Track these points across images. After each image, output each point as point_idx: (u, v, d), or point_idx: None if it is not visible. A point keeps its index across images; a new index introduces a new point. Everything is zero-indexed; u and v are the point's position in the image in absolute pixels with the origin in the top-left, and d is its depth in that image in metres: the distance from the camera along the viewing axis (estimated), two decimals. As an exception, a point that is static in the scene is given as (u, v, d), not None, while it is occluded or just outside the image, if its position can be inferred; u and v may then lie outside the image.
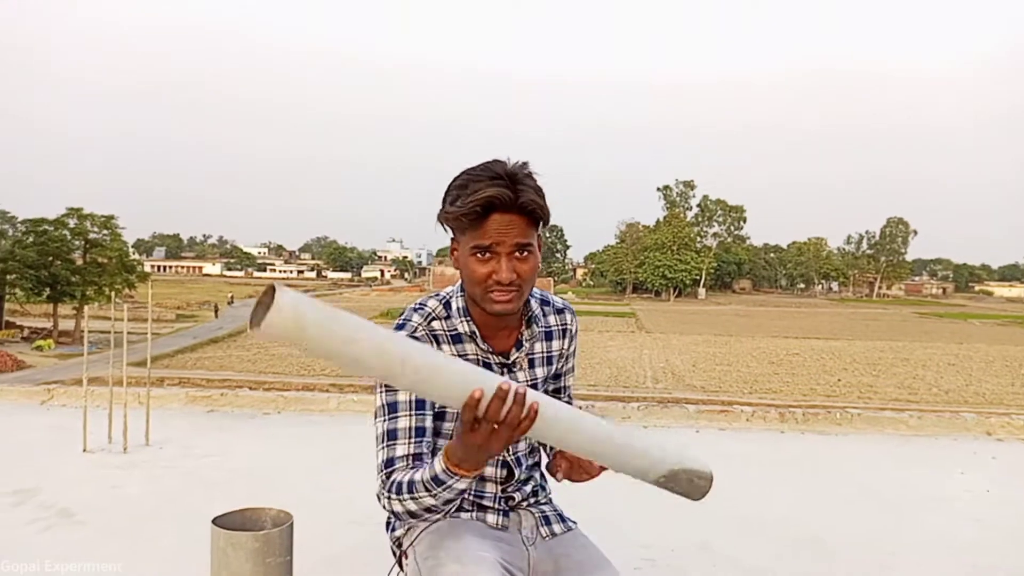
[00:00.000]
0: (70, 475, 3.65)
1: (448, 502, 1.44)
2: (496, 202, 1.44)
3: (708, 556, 2.86)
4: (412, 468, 1.51)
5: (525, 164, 1.51)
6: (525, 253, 1.51)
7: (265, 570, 1.41)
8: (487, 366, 1.67)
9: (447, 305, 1.69)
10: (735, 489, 3.80)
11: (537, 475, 1.90)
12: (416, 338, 1.62)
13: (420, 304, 1.71)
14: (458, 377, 1.18)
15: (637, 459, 1.36)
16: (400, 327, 1.63)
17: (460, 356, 1.66)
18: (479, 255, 1.49)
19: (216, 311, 53.96)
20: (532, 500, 1.83)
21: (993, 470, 4.36)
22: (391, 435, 1.54)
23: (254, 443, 4.52)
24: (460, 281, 1.70)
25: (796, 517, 3.38)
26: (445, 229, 1.57)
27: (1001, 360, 38.00)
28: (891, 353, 40.39)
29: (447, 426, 1.68)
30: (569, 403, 1.84)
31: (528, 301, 1.66)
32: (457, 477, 1.38)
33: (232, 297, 71.04)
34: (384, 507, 1.52)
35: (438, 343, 1.66)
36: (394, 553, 1.83)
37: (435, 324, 1.66)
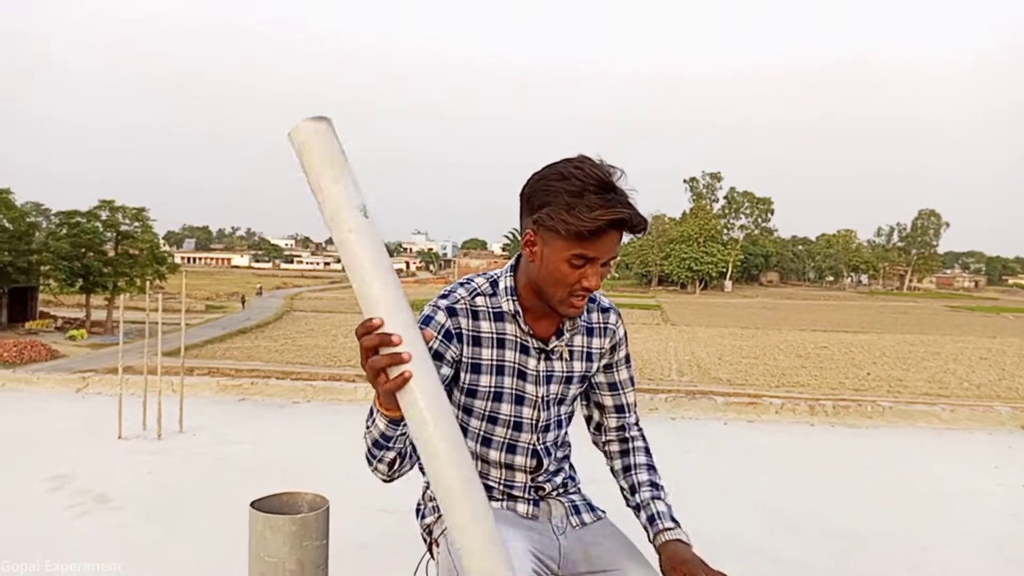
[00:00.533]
0: (106, 461, 3.72)
1: (376, 444, 1.39)
2: (622, 224, 1.44)
3: (738, 548, 2.85)
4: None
5: (621, 172, 1.48)
6: (609, 263, 1.52)
7: (302, 553, 1.43)
8: (524, 348, 1.68)
9: (494, 284, 1.70)
10: (765, 481, 3.79)
11: (567, 466, 1.90)
12: (455, 310, 1.62)
13: (468, 279, 1.72)
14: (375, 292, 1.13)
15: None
16: (444, 296, 1.63)
17: (499, 335, 1.66)
18: (575, 261, 1.48)
19: (243, 302, 54.51)
20: (562, 490, 1.84)
21: (1028, 465, 4.29)
22: None
23: (285, 431, 4.58)
24: (512, 263, 1.70)
25: (826, 510, 3.36)
26: (531, 219, 1.52)
27: (1035, 354, 37.28)
28: (921, 347, 39.82)
29: (504, 408, 1.69)
30: (625, 409, 1.82)
31: None
32: (378, 412, 1.34)
33: (261, 288, 71.87)
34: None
35: (477, 318, 1.66)
36: (425, 540, 1.85)
37: (479, 300, 1.67)
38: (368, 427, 1.41)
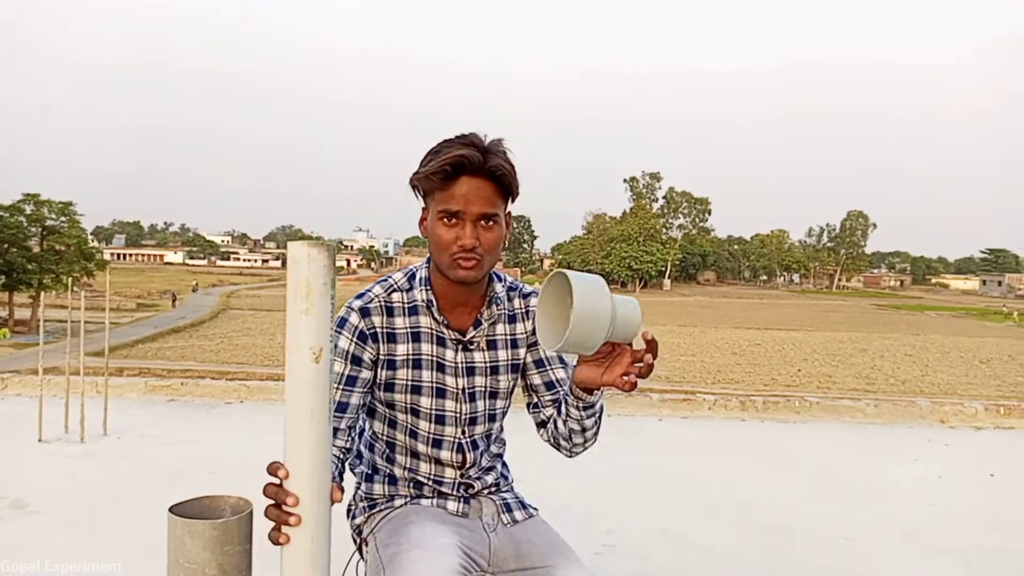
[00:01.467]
0: (24, 465, 3.57)
1: None
2: (466, 163, 1.46)
3: (670, 540, 2.90)
4: (344, 448, 1.56)
5: (500, 140, 1.53)
6: (491, 223, 1.51)
7: (224, 558, 1.37)
8: (441, 340, 1.66)
9: (411, 277, 1.69)
10: (697, 475, 3.86)
11: (499, 465, 1.89)
12: (368, 309, 1.61)
13: (386, 277, 1.72)
14: None
15: None
16: (359, 296, 1.63)
17: (414, 328, 1.65)
18: (446, 220, 1.50)
19: (174, 301, 52.84)
20: (493, 488, 1.83)
21: (946, 456, 4.48)
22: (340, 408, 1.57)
23: (215, 432, 4.46)
24: (428, 256, 1.69)
25: (757, 502, 3.44)
26: (416, 196, 1.58)
27: (956, 351, 38.96)
28: (850, 344, 41.17)
29: (424, 401, 1.67)
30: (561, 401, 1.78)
31: (492, 282, 1.66)
32: None
33: (196, 284, 70.00)
34: None
35: (392, 314, 1.65)
36: (355, 540, 1.82)
37: (395, 296, 1.66)
38: None
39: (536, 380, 1.79)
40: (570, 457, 1.78)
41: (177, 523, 1.39)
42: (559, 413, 1.67)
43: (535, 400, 1.81)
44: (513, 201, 1.56)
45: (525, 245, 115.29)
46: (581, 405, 1.57)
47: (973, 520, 3.33)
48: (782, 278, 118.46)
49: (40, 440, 3.97)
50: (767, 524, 3.12)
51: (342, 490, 1.56)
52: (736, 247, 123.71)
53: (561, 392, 1.70)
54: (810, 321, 55.32)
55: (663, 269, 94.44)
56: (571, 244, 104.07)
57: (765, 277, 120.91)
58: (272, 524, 1.21)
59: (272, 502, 1.19)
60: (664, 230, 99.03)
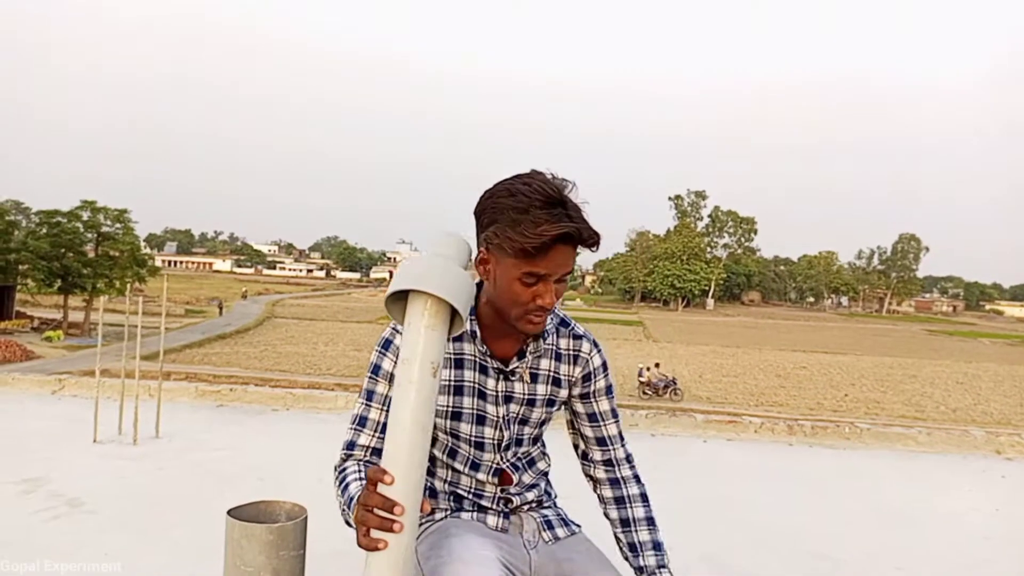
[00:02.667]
0: (80, 465, 3.67)
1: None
2: (569, 239, 1.43)
3: (714, 567, 2.86)
4: (366, 461, 1.56)
5: (572, 184, 1.48)
6: (566, 278, 1.51)
7: (279, 563, 1.41)
8: (483, 369, 1.67)
9: None
10: (742, 500, 3.80)
11: (543, 483, 1.89)
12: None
13: None
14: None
15: None
16: None
17: (457, 355, 1.66)
18: (527, 280, 1.47)
19: (221, 309, 53.63)
20: (535, 505, 1.82)
21: (1002, 488, 4.34)
22: (360, 421, 1.59)
23: (263, 438, 4.54)
24: (477, 280, 1.69)
25: (803, 530, 3.37)
26: (479, 233, 1.53)
27: (1010, 380, 37.74)
28: (899, 370, 40.17)
29: (463, 427, 1.69)
30: (606, 437, 1.79)
31: None
32: (349, 513, 1.40)
33: (246, 291, 71.40)
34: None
35: None
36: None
37: None
38: (340, 501, 1.46)
39: (589, 433, 1.80)
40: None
41: (235, 526, 1.43)
42: (619, 537, 1.75)
43: (585, 450, 1.83)
44: None
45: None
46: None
47: (1031, 556, 3.22)
48: (830, 300, 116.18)
49: (95, 441, 4.08)
50: (814, 553, 3.05)
51: (430, 504, 1.59)
52: (782, 268, 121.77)
53: (620, 493, 1.77)
54: (858, 345, 54.13)
55: (707, 288, 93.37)
56: (613, 261, 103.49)
57: (812, 299, 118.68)
58: (359, 529, 1.23)
59: (368, 508, 1.22)
60: (708, 249, 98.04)
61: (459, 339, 1.65)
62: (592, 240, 1.45)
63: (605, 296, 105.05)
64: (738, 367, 37.73)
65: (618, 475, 1.79)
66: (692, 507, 3.58)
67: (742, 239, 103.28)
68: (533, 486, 1.82)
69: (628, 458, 1.80)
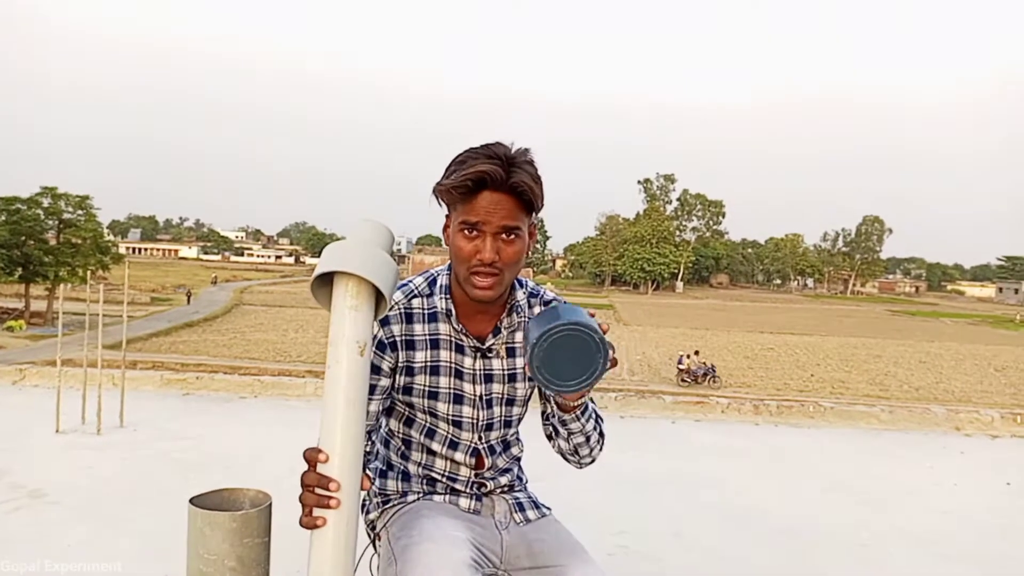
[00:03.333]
0: (42, 456, 3.61)
1: None
2: (487, 179, 1.44)
3: (683, 544, 2.90)
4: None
5: (527, 150, 1.50)
6: (512, 236, 1.50)
7: (243, 550, 1.39)
8: (460, 348, 1.67)
9: (432, 282, 1.69)
10: (710, 479, 3.85)
11: (516, 468, 1.89)
12: (387, 318, 1.63)
13: (406, 282, 1.71)
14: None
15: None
16: None
17: (432, 336, 1.65)
18: (466, 231, 1.49)
19: (189, 298, 52.84)
20: (507, 488, 1.83)
21: (961, 464, 4.44)
22: None
23: (230, 427, 4.49)
24: (450, 262, 1.69)
25: (770, 508, 3.42)
26: (440, 204, 1.57)
27: (971, 358, 38.68)
28: (863, 350, 40.93)
29: (441, 407, 1.69)
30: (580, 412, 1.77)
31: (513, 289, 1.65)
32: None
33: (216, 277, 70.64)
34: None
35: (411, 321, 1.65)
36: (368, 535, 1.84)
37: (415, 302, 1.66)
38: None
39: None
40: (580, 468, 1.79)
41: (198, 515, 1.41)
42: (557, 434, 1.68)
43: (548, 411, 1.81)
44: (537, 214, 1.54)
45: (538, 245, 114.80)
46: (570, 418, 1.59)
47: (989, 528, 3.30)
48: (796, 282, 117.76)
49: (57, 431, 4.01)
50: (780, 529, 3.11)
51: (370, 479, 1.58)
52: (750, 250, 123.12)
53: (554, 418, 1.68)
54: (824, 326, 55.02)
55: (676, 271, 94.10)
56: (584, 245, 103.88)
57: (779, 281, 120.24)
58: (303, 510, 1.24)
59: (308, 487, 1.23)
60: (678, 232, 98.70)
61: (435, 319, 1.65)
62: (519, 188, 1.45)
63: (575, 280, 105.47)
64: (707, 349, 38.11)
65: None
66: (661, 486, 3.62)
67: (710, 222, 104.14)
68: (506, 471, 1.82)
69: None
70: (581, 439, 1.70)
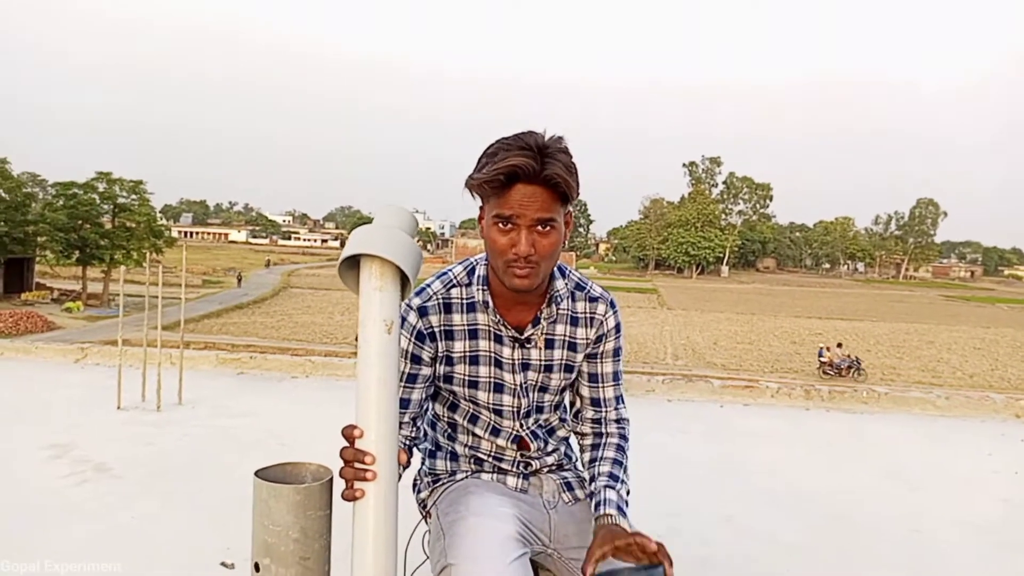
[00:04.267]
0: (105, 431, 3.73)
1: None
2: (520, 172, 1.42)
3: (733, 528, 2.88)
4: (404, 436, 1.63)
5: (560, 138, 1.47)
6: (547, 228, 1.47)
7: (306, 522, 1.43)
8: (498, 338, 1.67)
9: (471, 272, 1.69)
10: (760, 464, 3.81)
11: (563, 447, 1.90)
12: (426, 309, 1.63)
13: (445, 271, 1.71)
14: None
15: None
16: (418, 293, 1.64)
17: (471, 326, 1.66)
18: (500, 225, 1.47)
19: (239, 280, 53.91)
20: (555, 467, 1.84)
21: (1021, 452, 4.32)
22: None
23: (284, 405, 4.59)
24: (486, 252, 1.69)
25: (822, 494, 3.38)
26: (472, 196, 1.54)
27: (1029, 345, 37.46)
28: (916, 335, 39.98)
29: (481, 396, 1.70)
30: (600, 396, 1.77)
31: (553, 279, 1.63)
32: None
33: (270, 260, 72.46)
34: None
35: (450, 311, 1.66)
36: (420, 512, 1.87)
37: (453, 292, 1.66)
38: None
39: (585, 392, 1.79)
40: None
41: (263, 487, 1.44)
42: (588, 481, 1.70)
43: (579, 409, 1.82)
44: (571, 202, 1.51)
45: (580, 229, 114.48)
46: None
47: (1051, 518, 3.22)
48: (846, 267, 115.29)
49: (119, 408, 4.14)
50: (833, 515, 3.07)
51: (408, 453, 1.61)
52: (798, 234, 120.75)
53: (600, 440, 1.72)
54: (874, 311, 53.84)
55: (721, 256, 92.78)
56: (627, 229, 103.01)
57: (828, 265, 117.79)
58: (345, 485, 1.28)
59: (347, 462, 1.27)
60: (723, 216, 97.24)
61: (473, 309, 1.65)
62: (554, 180, 1.43)
63: (619, 264, 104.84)
64: (753, 334, 37.66)
65: (603, 430, 1.77)
66: (711, 471, 3.60)
67: (757, 205, 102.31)
68: (553, 451, 1.83)
69: (619, 422, 1.77)
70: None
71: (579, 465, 1.93)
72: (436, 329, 1.65)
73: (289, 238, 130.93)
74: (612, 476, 1.69)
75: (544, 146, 1.43)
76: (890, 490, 3.47)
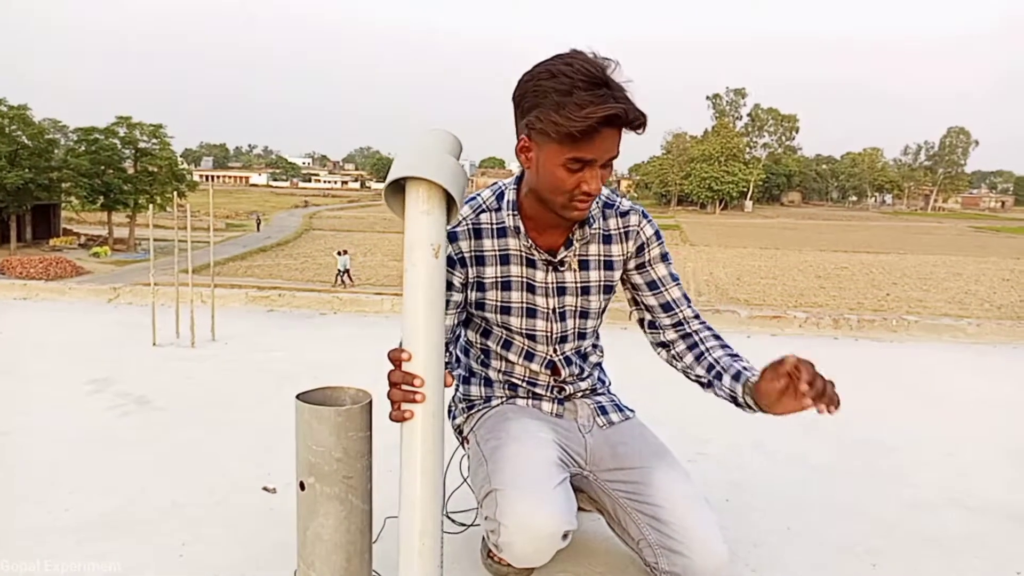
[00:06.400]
0: (143, 366, 3.81)
1: None
2: (616, 120, 1.37)
3: (764, 451, 2.91)
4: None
5: (616, 64, 1.41)
6: (611, 161, 1.47)
7: (348, 443, 1.47)
8: (531, 262, 1.66)
9: (500, 196, 1.67)
10: (789, 390, 3.81)
11: (597, 372, 1.91)
12: (456, 234, 1.62)
13: (473, 195, 1.70)
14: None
15: None
16: None
17: (503, 251, 1.65)
18: (570, 165, 1.42)
19: (258, 224, 54.08)
20: (589, 392, 1.85)
21: (1054, 378, 4.29)
22: None
23: (315, 340, 4.65)
24: (517, 175, 1.67)
25: (852, 418, 3.35)
26: (518, 121, 1.48)
27: (1060, 276, 36.89)
28: (943, 268, 39.49)
29: (514, 321, 1.71)
30: (674, 304, 1.76)
31: None
32: None
33: (307, 201, 73.13)
34: None
35: (480, 236, 1.64)
36: (457, 438, 1.90)
37: (483, 217, 1.65)
38: None
39: (652, 302, 1.77)
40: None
41: (305, 409, 1.47)
42: (711, 381, 1.70)
43: (651, 320, 1.80)
44: None
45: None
46: (743, 404, 1.66)
47: (1084, 440, 3.20)
48: (873, 199, 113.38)
49: (155, 344, 4.22)
50: (864, 439, 3.08)
51: (452, 376, 1.63)
52: (824, 167, 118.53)
53: (718, 365, 1.70)
54: (901, 244, 53.14)
55: (745, 190, 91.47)
56: (650, 164, 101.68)
57: (855, 198, 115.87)
58: (391, 407, 1.31)
59: (394, 385, 1.28)
60: (748, 149, 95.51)
61: (504, 234, 1.64)
62: (639, 122, 1.40)
63: (641, 200, 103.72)
64: (777, 269, 37.42)
65: (689, 330, 1.75)
66: (739, 398, 3.60)
67: (783, 138, 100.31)
68: (587, 376, 1.84)
69: (697, 316, 1.77)
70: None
71: (612, 389, 1.94)
72: (466, 255, 1.65)
73: (309, 180, 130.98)
74: (733, 355, 1.70)
75: (615, 83, 1.39)
76: (922, 415, 3.47)
